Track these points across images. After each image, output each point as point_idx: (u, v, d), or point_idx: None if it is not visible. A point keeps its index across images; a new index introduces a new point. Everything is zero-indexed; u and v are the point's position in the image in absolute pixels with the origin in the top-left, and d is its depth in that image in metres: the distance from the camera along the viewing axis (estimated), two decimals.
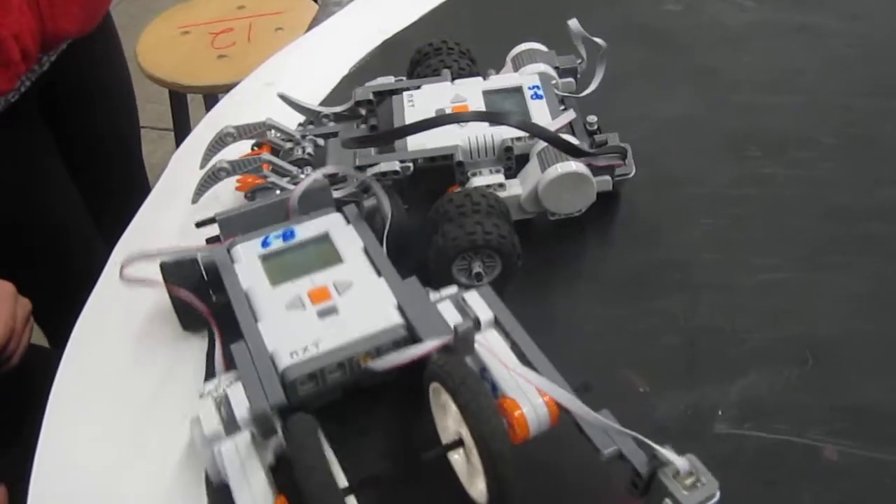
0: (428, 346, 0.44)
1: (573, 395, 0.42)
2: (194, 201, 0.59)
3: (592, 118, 0.61)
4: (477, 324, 0.47)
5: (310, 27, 0.93)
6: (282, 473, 0.42)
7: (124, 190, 1.06)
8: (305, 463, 0.38)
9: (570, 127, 0.59)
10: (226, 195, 0.62)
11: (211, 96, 1.48)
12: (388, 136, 0.58)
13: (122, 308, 0.58)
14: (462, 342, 0.44)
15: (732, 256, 0.58)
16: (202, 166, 0.61)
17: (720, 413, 0.49)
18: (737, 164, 0.65)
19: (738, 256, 0.58)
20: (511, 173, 0.58)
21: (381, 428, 0.50)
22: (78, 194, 0.97)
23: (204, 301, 0.52)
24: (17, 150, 0.88)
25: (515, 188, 0.58)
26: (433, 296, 0.49)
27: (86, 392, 0.54)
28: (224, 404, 0.45)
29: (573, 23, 0.63)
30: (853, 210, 0.61)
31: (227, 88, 1.37)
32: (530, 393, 0.42)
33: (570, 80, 0.65)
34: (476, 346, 0.45)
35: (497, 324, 0.47)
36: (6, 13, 0.76)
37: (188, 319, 0.55)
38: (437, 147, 0.57)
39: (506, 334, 0.47)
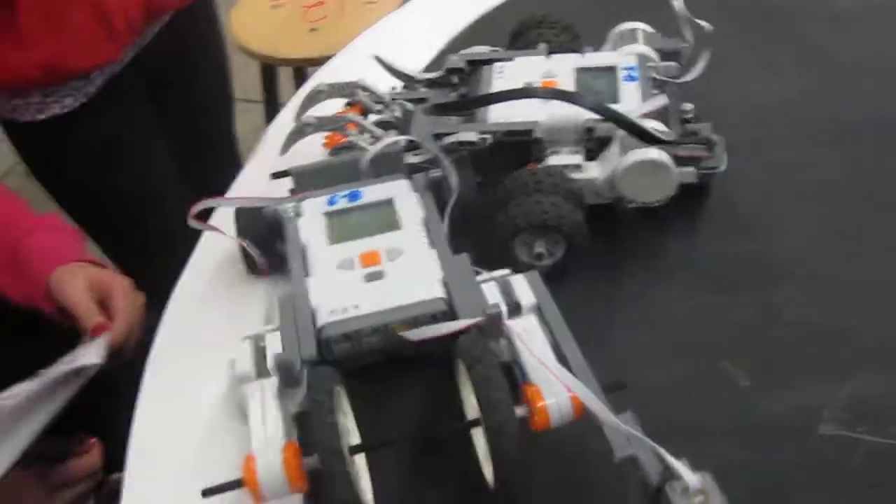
0: (457, 324, 0.44)
1: (597, 393, 0.41)
2: (282, 153, 0.60)
3: (688, 106, 0.58)
4: (518, 308, 0.46)
5: (404, 1, 0.93)
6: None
7: (220, 162, 1.08)
8: (315, 416, 0.39)
9: (662, 112, 0.56)
10: (315, 151, 0.63)
11: (300, 69, 1.49)
12: (460, 105, 0.58)
13: (217, 278, 0.59)
14: (490, 324, 0.44)
15: (843, 250, 0.55)
16: (295, 120, 0.62)
17: (826, 413, 0.47)
18: (848, 154, 0.62)
19: (849, 250, 0.55)
20: (592, 155, 0.56)
21: (413, 397, 0.49)
22: (174, 166, 0.98)
23: (269, 250, 0.54)
24: (120, 120, 0.91)
25: (593, 171, 0.56)
26: (483, 276, 0.48)
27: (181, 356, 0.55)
28: (258, 348, 0.47)
29: (678, 3, 0.60)
30: None
31: (319, 62, 1.37)
32: (557, 384, 0.41)
33: (673, 63, 0.62)
34: (511, 330, 0.44)
35: (539, 311, 0.46)
36: None
37: (253, 265, 0.56)
38: (517, 122, 0.56)
39: (545, 322, 0.46)
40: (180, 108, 1.01)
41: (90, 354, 0.62)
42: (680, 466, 0.37)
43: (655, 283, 0.55)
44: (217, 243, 0.60)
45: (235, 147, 1.16)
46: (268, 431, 0.42)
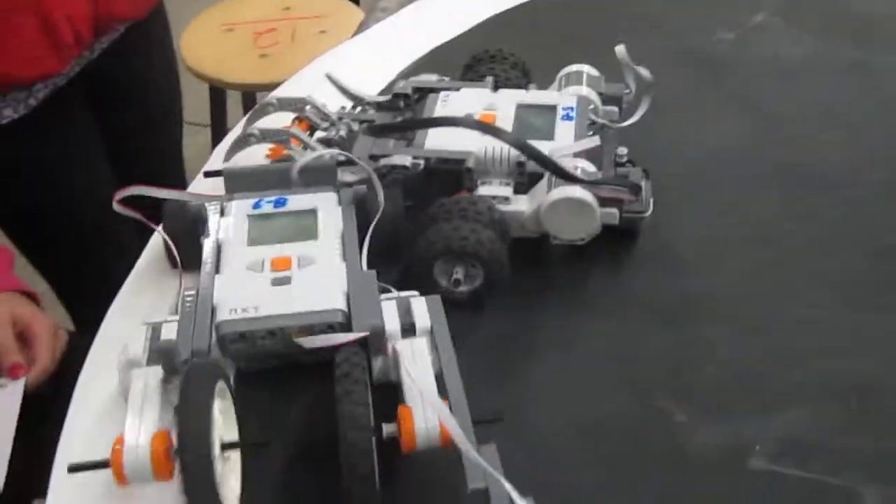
0: (342, 337, 0.45)
1: (464, 422, 0.42)
2: (225, 160, 0.61)
3: (623, 150, 0.59)
4: (412, 329, 0.47)
5: (357, 31, 0.93)
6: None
7: (161, 181, 1.06)
8: (182, 405, 0.40)
9: (595, 153, 0.58)
10: (259, 161, 0.62)
11: (249, 94, 1.49)
12: (391, 127, 0.60)
13: (154, 296, 0.58)
14: (373, 340, 0.45)
15: (777, 290, 0.57)
16: (242, 132, 0.62)
17: (758, 448, 0.48)
18: (783, 198, 0.64)
19: (783, 291, 0.57)
20: (523, 189, 0.57)
21: (303, 404, 0.50)
22: (113, 183, 0.97)
23: (193, 246, 0.54)
24: (60, 134, 0.89)
25: (521, 204, 0.57)
26: (391, 294, 0.49)
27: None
28: (154, 336, 0.47)
29: (620, 50, 0.62)
30: None
31: (269, 87, 1.38)
32: (429, 410, 0.42)
33: (614, 108, 0.64)
34: (394, 349, 0.45)
35: (431, 334, 0.47)
36: None
37: (173, 259, 0.56)
38: (451, 150, 0.57)
39: (434, 347, 0.47)
40: (126, 126, 1.00)
41: (7, 396, 0.61)
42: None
43: (585, 318, 0.56)
44: (155, 264, 0.60)
45: (181, 169, 1.15)
46: (143, 417, 0.42)
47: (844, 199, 0.64)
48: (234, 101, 1.56)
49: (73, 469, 0.41)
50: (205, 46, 1.43)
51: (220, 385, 0.43)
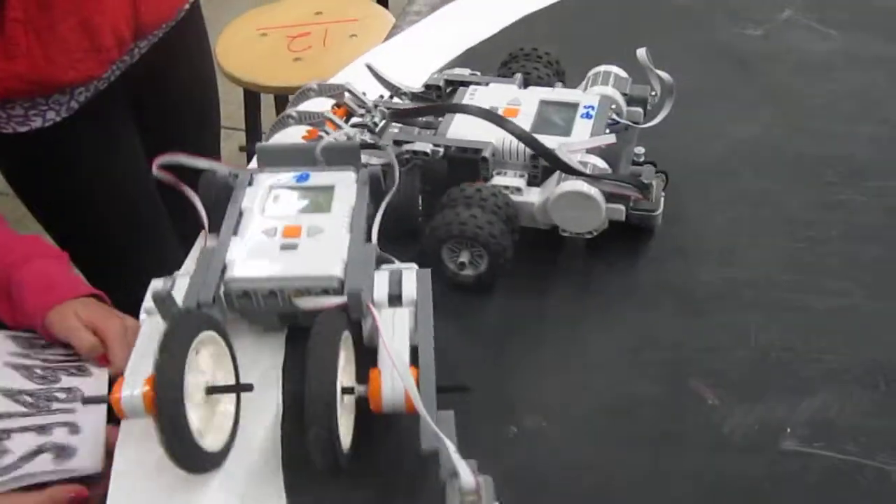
0: (327, 300, 0.49)
1: (427, 389, 0.45)
2: (267, 139, 0.65)
3: (640, 149, 0.61)
4: (398, 299, 0.51)
5: (389, 35, 0.96)
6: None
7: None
8: (162, 349, 0.44)
9: (612, 151, 0.60)
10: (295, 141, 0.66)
11: (282, 97, 1.52)
12: (409, 112, 0.63)
13: None
14: (353, 305, 0.49)
15: (806, 278, 0.58)
16: (283, 114, 0.66)
17: (788, 430, 0.49)
18: (813, 189, 0.65)
19: (813, 279, 0.58)
20: (536, 182, 0.60)
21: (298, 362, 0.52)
22: (155, 187, 0.99)
23: (222, 211, 0.58)
24: (100, 138, 0.91)
25: (532, 196, 0.59)
26: (390, 265, 0.53)
27: None
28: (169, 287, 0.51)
29: (640, 53, 0.63)
30: None
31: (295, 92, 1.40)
32: (405, 375, 0.45)
33: (639, 109, 0.65)
34: (374, 314, 0.48)
35: (416, 306, 0.51)
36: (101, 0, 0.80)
37: (202, 223, 0.60)
38: (469, 140, 0.60)
39: (415, 318, 0.50)
40: (164, 130, 1.02)
41: (96, 381, 0.66)
42: (462, 467, 0.40)
43: (614, 306, 0.58)
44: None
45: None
46: (144, 362, 0.46)
47: (873, 190, 0.65)
48: (267, 104, 1.59)
49: (86, 401, 0.49)
50: (239, 51, 1.47)
51: (208, 334, 0.47)
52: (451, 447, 0.40)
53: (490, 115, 0.59)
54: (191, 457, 0.45)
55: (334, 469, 0.45)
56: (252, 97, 1.53)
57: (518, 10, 0.89)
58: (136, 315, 0.56)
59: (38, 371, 0.66)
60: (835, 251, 0.60)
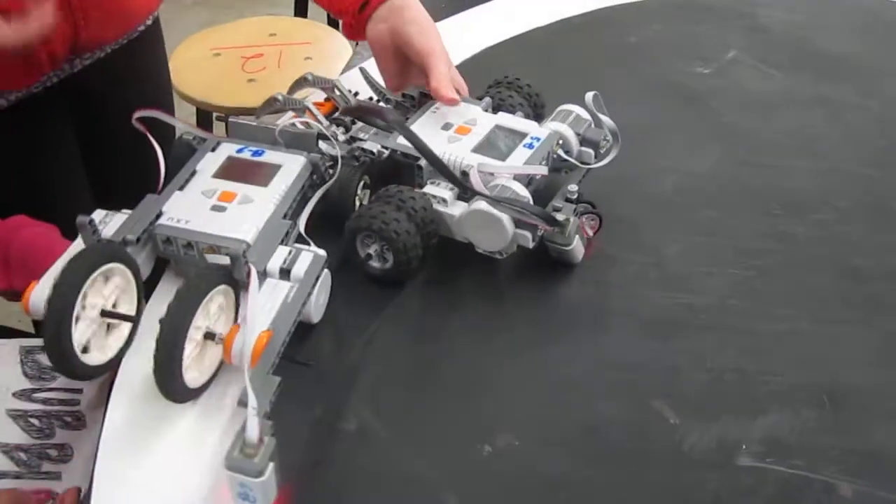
0: (218, 258, 0.57)
1: (271, 360, 0.53)
2: (256, 118, 0.70)
3: (574, 187, 0.64)
4: (287, 273, 0.57)
5: (350, 62, 0.98)
6: None
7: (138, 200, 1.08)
8: (60, 275, 0.50)
9: (545, 184, 0.65)
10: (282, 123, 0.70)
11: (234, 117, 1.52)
12: (346, 111, 0.69)
13: None
14: (234, 264, 0.56)
15: (755, 305, 0.62)
16: (272, 97, 0.72)
17: (744, 447, 0.53)
18: (760, 220, 0.70)
19: (761, 305, 0.62)
20: (465, 198, 0.63)
21: None
22: (89, 197, 0.98)
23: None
24: (27, 139, 0.89)
25: (455, 209, 0.63)
26: (300, 246, 0.60)
27: None
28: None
29: (588, 98, 0.67)
30: (865, 271, 0.65)
31: (255, 111, 1.41)
32: (253, 333, 0.51)
33: (590, 150, 0.68)
34: (251, 277, 0.54)
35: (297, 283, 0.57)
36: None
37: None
38: (409, 146, 0.65)
39: (295, 293, 0.56)
40: (105, 142, 0.99)
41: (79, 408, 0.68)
42: (252, 424, 0.46)
43: (605, 328, 0.61)
44: None
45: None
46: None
47: (814, 223, 0.69)
48: (218, 123, 1.59)
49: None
50: (193, 70, 1.47)
51: (117, 266, 0.54)
52: (253, 402, 0.47)
53: (397, 125, 0.65)
54: (68, 363, 0.51)
55: (175, 398, 0.52)
56: (205, 116, 1.53)
57: (481, 41, 0.93)
58: None
59: (35, 423, 0.67)
60: (781, 278, 0.64)
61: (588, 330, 0.61)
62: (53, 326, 0.49)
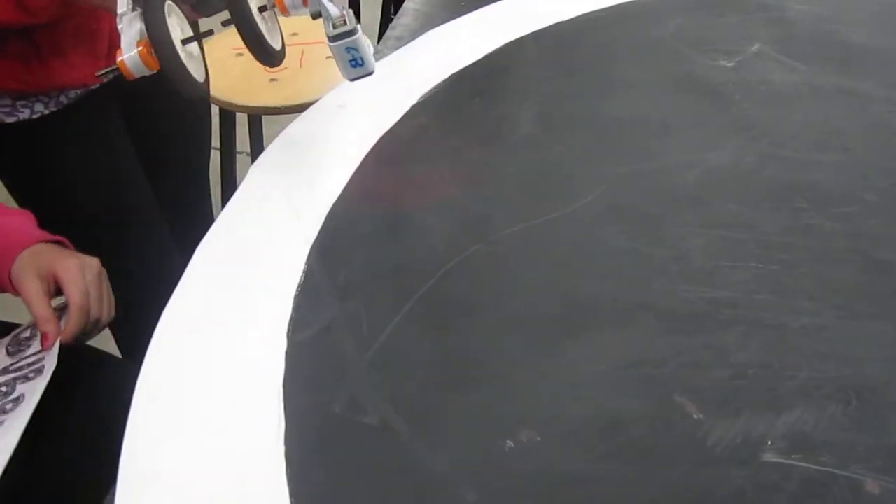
0: None
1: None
2: None
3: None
4: None
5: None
6: None
7: (187, 192, 1.10)
8: (149, 14, 0.59)
9: None
10: None
11: (256, 117, 1.53)
12: None
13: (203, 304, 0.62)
14: None
15: (781, 299, 0.61)
16: None
17: (769, 443, 0.52)
18: (785, 214, 0.69)
19: (787, 300, 0.61)
20: None
21: None
22: (146, 185, 1.00)
23: None
24: (87, 134, 0.91)
25: None
26: None
27: None
28: None
29: None
30: (892, 265, 0.64)
31: (278, 110, 1.42)
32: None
33: None
34: None
35: None
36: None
37: None
38: None
39: None
40: (153, 141, 1.03)
41: (43, 363, 0.67)
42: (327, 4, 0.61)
43: (628, 324, 0.60)
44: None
45: (207, 182, 1.19)
46: (129, 32, 0.61)
47: (839, 216, 0.68)
48: (241, 123, 1.60)
49: (101, 75, 0.63)
50: (215, 70, 1.47)
51: (169, 4, 0.61)
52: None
53: None
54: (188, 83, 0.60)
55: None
56: (228, 116, 1.54)
57: (504, 36, 0.92)
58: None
59: (3, 389, 0.67)
60: (806, 273, 0.64)
61: (610, 325, 0.60)
62: (170, 65, 0.59)
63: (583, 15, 0.97)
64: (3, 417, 0.65)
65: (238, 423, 0.54)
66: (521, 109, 0.81)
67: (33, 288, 0.69)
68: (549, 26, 0.95)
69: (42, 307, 0.69)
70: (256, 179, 0.74)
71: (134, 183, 0.98)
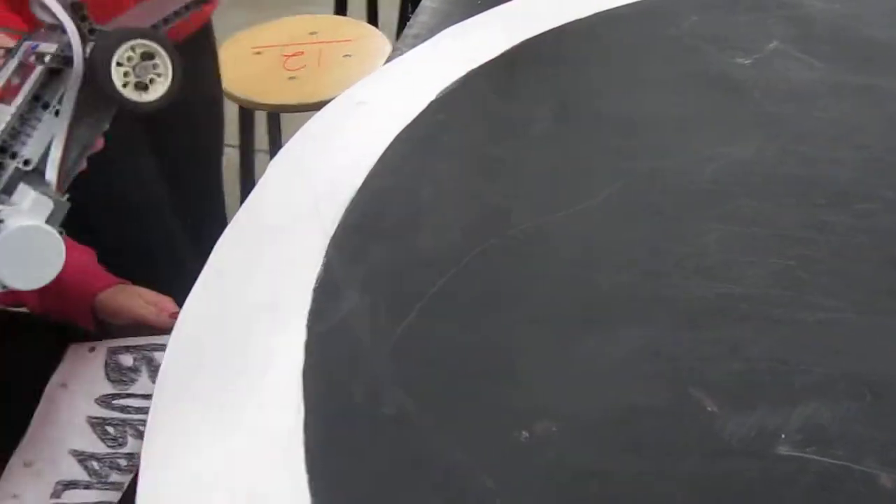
0: None
1: None
2: None
3: None
4: None
5: (391, 57, 0.99)
6: None
7: (201, 194, 1.11)
8: None
9: None
10: None
11: (274, 115, 1.54)
12: None
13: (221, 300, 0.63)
14: None
15: (797, 294, 0.62)
16: None
17: (783, 436, 0.52)
18: (803, 210, 0.69)
19: (803, 295, 0.62)
20: None
21: None
22: (164, 192, 1.01)
23: None
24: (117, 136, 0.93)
25: None
26: None
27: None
28: None
29: None
30: None
31: (296, 108, 1.43)
32: None
33: None
34: None
35: None
36: (119, 11, 0.82)
37: None
38: None
39: None
40: (168, 137, 1.04)
41: None
42: None
43: (645, 318, 0.61)
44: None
45: (220, 184, 1.20)
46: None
47: (858, 213, 0.68)
48: (260, 121, 1.61)
49: None
50: (234, 68, 1.49)
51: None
52: None
53: None
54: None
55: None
56: (247, 114, 1.56)
57: (521, 33, 0.93)
58: None
59: (111, 431, 0.68)
60: (824, 269, 0.64)
61: (626, 318, 0.60)
62: None
63: (600, 12, 0.98)
64: (122, 479, 0.65)
65: (258, 412, 0.55)
66: (539, 105, 0.81)
67: (137, 301, 0.72)
68: (567, 23, 0.95)
69: (153, 296, 0.71)
70: (275, 174, 0.75)
71: (145, 182, 0.99)
